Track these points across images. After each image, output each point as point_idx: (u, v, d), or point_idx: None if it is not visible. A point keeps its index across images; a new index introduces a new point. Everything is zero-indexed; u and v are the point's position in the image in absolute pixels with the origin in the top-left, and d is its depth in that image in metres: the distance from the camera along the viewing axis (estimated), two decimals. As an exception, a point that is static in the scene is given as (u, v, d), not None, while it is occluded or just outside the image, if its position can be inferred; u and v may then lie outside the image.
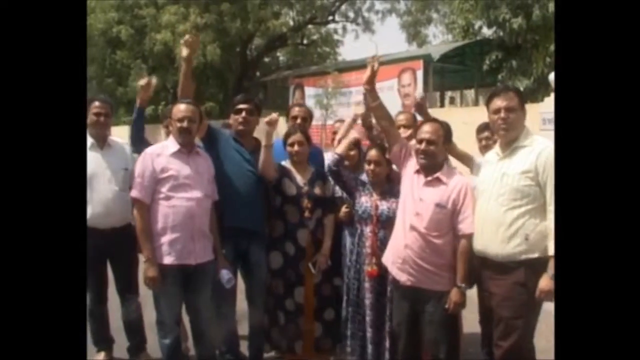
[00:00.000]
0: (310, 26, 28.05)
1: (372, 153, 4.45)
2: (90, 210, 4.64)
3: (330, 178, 4.68)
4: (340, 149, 4.60)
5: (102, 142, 4.80)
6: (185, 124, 4.18)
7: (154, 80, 4.70)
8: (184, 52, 4.49)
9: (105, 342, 5.01)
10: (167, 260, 4.08)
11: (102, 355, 4.97)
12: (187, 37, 4.53)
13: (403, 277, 4.01)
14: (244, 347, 4.87)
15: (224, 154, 4.57)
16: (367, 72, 4.28)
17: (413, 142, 4.22)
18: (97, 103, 4.81)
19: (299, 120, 5.08)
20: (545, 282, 3.49)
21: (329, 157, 4.68)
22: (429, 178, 3.98)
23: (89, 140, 4.75)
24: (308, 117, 5.26)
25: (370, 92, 4.34)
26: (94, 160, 4.69)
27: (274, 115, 4.55)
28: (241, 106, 4.70)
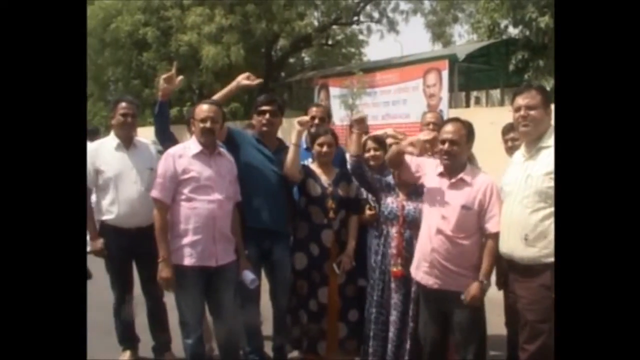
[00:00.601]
0: (335, 27, 27.98)
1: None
2: (116, 210, 4.72)
3: (354, 179, 4.67)
4: (353, 149, 4.56)
5: (128, 142, 4.87)
6: (207, 124, 4.18)
7: (179, 77, 4.69)
8: (244, 81, 4.65)
9: (130, 341, 5.06)
10: (188, 261, 4.09)
11: (127, 354, 5.02)
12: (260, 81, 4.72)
13: (430, 281, 3.99)
14: (268, 348, 4.88)
15: (246, 155, 4.57)
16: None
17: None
18: (123, 104, 4.90)
19: (316, 120, 5.08)
20: None
21: (351, 160, 4.64)
22: (453, 180, 3.96)
23: (115, 141, 4.85)
24: (326, 116, 5.26)
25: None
26: (120, 160, 4.79)
27: (305, 118, 4.61)
28: (264, 108, 4.71)
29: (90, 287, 5.73)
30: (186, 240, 4.10)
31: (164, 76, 4.73)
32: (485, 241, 3.88)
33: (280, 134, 4.93)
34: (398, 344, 4.41)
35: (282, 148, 4.68)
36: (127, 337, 5.05)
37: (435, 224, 3.95)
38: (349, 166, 4.63)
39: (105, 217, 4.84)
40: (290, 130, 4.64)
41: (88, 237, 4.83)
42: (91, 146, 5.01)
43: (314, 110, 5.21)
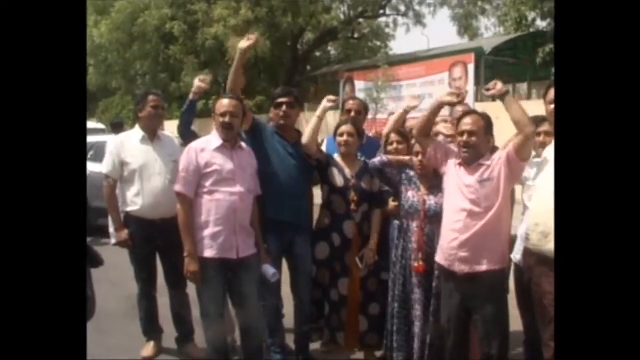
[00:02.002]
0: (361, 20, 27.93)
1: (419, 145, 4.41)
2: (140, 202, 4.79)
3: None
4: (392, 158, 4.55)
5: (153, 135, 4.93)
6: (227, 119, 4.20)
7: (209, 77, 4.78)
8: (244, 43, 4.53)
9: (154, 332, 5.11)
10: (209, 253, 4.12)
11: (151, 344, 5.06)
12: (256, 34, 4.63)
13: (458, 268, 3.94)
14: (290, 340, 4.89)
15: (268, 147, 4.59)
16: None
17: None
18: (152, 96, 4.97)
19: (353, 114, 5.07)
20: None
21: (376, 159, 4.62)
22: (473, 166, 3.93)
23: (140, 133, 4.91)
24: (363, 110, 5.24)
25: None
26: (145, 152, 4.86)
27: (334, 97, 4.70)
28: (281, 100, 4.70)
29: (116, 278, 5.87)
30: (207, 232, 4.13)
31: (200, 77, 4.82)
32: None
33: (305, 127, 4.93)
34: (423, 338, 4.39)
35: (301, 140, 4.69)
36: (151, 328, 5.10)
37: (458, 208, 3.92)
38: (374, 160, 4.57)
39: (129, 209, 4.90)
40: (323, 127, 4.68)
41: (112, 229, 4.91)
42: (117, 139, 5.12)
43: (350, 104, 5.20)
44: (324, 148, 5.04)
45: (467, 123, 3.94)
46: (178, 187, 4.17)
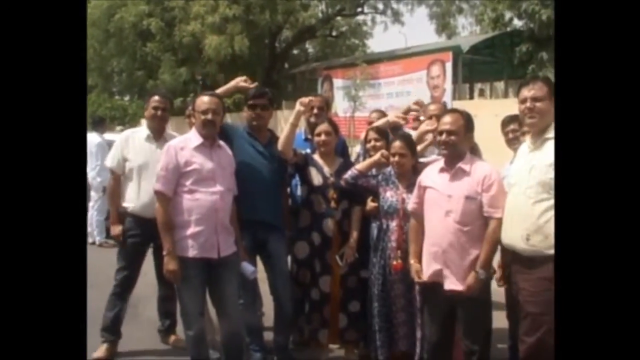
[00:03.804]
0: (339, 18, 27.92)
1: (396, 144, 4.43)
2: (137, 199, 4.88)
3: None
4: (362, 166, 4.58)
5: (159, 134, 5.02)
6: (209, 116, 4.19)
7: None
8: (242, 84, 4.80)
9: (113, 334, 5.02)
10: (191, 253, 4.10)
11: (104, 347, 4.97)
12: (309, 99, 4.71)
13: (443, 279, 3.97)
14: (269, 338, 4.88)
15: (239, 149, 4.56)
16: None
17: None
18: (156, 97, 5.06)
19: (315, 110, 5.08)
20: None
21: (347, 174, 4.63)
22: (452, 171, 3.95)
23: (146, 132, 5.02)
24: (325, 106, 5.27)
25: None
26: (148, 151, 4.96)
27: (307, 98, 4.63)
28: (255, 101, 4.70)
29: (93, 280, 5.84)
30: (188, 231, 4.11)
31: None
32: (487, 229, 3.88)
33: (283, 125, 4.93)
34: (408, 332, 4.47)
35: (273, 140, 4.70)
36: (112, 330, 5.00)
37: (442, 221, 3.93)
38: (346, 176, 4.60)
39: (127, 205, 4.96)
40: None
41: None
42: (123, 134, 5.23)
43: (312, 100, 5.22)
44: None
45: (447, 122, 3.96)
46: (157, 186, 4.14)
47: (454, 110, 4.15)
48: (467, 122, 4.04)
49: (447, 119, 3.99)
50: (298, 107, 4.56)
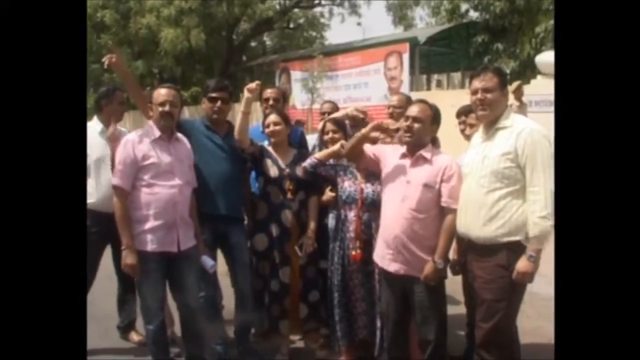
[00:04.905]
0: (296, 10, 27.90)
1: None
2: (95, 194, 4.77)
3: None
4: (321, 155, 4.59)
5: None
6: (167, 107, 4.16)
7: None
8: (248, 95, 4.50)
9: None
10: (150, 247, 4.08)
11: None
12: (257, 83, 4.56)
13: (395, 267, 4.00)
14: (230, 331, 4.89)
15: (196, 142, 4.52)
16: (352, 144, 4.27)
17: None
18: (119, 92, 5.06)
19: (271, 102, 5.08)
20: (523, 263, 3.51)
21: (306, 162, 4.64)
22: (414, 157, 3.99)
23: (99, 126, 4.94)
24: (280, 97, 5.27)
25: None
26: (103, 145, 4.83)
27: (254, 84, 4.53)
28: (216, 94, 4.65)
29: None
30: (147, 226, 4.08)
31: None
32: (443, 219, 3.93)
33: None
34: (368, 322, 4.51)
35: (231, 132, 4.67)
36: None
37: (398, 207, 3.97)
38: (305, 164, 4.61)
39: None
40: (252, 114, 4.62)
41: None
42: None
43: (268, 92, 5.23)
44: None
45: (414, 110, 4.01)
46: (115, 180, 4.10)
47: (422, 101, 4.17)
48: (434, 114, 4.09)
49: (414, 107, 4.03)
50: (246, 94, 4.51)
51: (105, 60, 4.59)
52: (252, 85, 4.49)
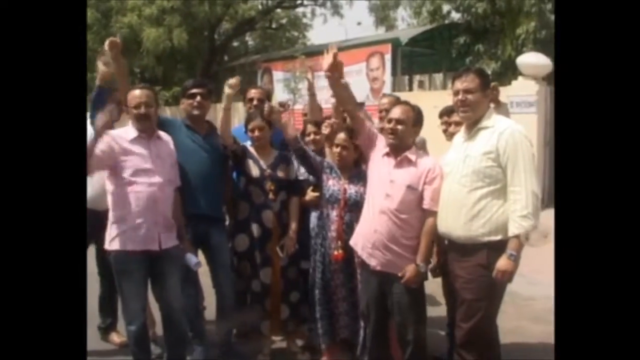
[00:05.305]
0: (278, 10, 27.82)
1: (340, 137, 4.46)
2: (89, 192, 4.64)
3: (294, 161, 4.69)
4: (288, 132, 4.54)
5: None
6: (142, 109, 4.12)
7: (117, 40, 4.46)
8: (228, 90, 4.50)
9: None
10: (131, 246, 4.05)
11: None
12: (237, 78, 4.55)
13: (373, 262, 4.02)
14: (213, 332, 4.88)
15: (178, 142, 4.48)
16: (327, 59, 4.19)
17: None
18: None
19: (255, 102, 5.07)
20: (503, 262, 3.54)
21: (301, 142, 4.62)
22: (399, 158, 4.00)
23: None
24: (264, 98, 5.25)
25: (331, 79, 4.25)
26: None
27: (234, 79, 4.53)
28: (195, 90, 4.66)
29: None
30: (128, 224, 4.05)
31: (102, 58, 4.44)
32: (424, 220, 3.94)
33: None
34: (350, 321, 4.53)
35: (212, 131, 4.67)
36: None
37: (379, 203, 3.98)
38: (299, 144, 4.57)
39: None
40: (234, 114, 4.61)
41: None
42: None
43: (252, 92, 5.22)
44: None
45: (397, 112, 4.02)
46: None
47: (405, 103, 4.19)
48: (416, 116, 4.11)
49: (397, 109, 4.04)
50: (227, 90, 4.50)
51: (109, 41, 4.44)
52: (233, 80, 4.49)
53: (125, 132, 4.17)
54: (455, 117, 4.51)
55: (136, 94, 4.17)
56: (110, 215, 4.08)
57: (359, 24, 48.77)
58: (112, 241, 4.11)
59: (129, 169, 4.06)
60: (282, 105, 6.34)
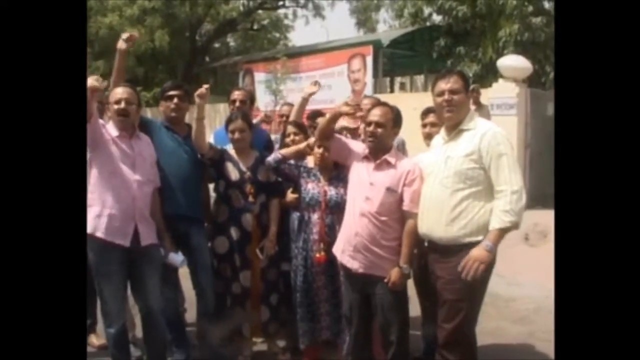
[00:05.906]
0: (260, 11, 27.85)
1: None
2: None
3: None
4: (286, 151, 4.57)
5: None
6: (122, 105, 4.11)
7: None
8: (123, 45, 4.49)
9: None
10: (102, 234, 4.00)
11: None
12: (134, 32, 4.48)
13: (355, 265, 4.02)
14: (193, 334, 4.86)
15: (157, 142, 4.48)
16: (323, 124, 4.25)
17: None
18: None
19: (237, 104, 5.07)
20: (478, 250, 3.55)
21: (270, 157, 4.62)
22: (378, 161, 4.00)
23: None
24: (247, 99, 5.26)
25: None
26: None
27: (203, 88, 4.49)
28: (172, 92, 4.65)
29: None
30: (103, 211, 4.02)
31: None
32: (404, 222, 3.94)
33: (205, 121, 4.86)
34: (332, 322, 4.54)
35: (191, 133, 4.65)
36: None
37: (360, 206, 3.98)
38: (268, 159, 4.58)
39: None
40: (215, 116, 4.59)
41: None
42: None
43: (235, 94, 5.22)
44: (212, 140, 5.03)
45: (376, 114, 4.01)
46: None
47: (383, 104, 4.19)
48: (395, 117, 4.12)
49: (376, 111, 4.03)
50: (197, 100, 4.48)
51: (125, 35, 4.55)
52: (202, 90, 4.46)
53: (110, 129, 4.16)
54: (431, 118, 4.53)
55: (118, 91, 4.19)
56: (89, 199, 4.03)
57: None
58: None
59: (111, 162, 4.06)
60: (267, 117, 6.42)
